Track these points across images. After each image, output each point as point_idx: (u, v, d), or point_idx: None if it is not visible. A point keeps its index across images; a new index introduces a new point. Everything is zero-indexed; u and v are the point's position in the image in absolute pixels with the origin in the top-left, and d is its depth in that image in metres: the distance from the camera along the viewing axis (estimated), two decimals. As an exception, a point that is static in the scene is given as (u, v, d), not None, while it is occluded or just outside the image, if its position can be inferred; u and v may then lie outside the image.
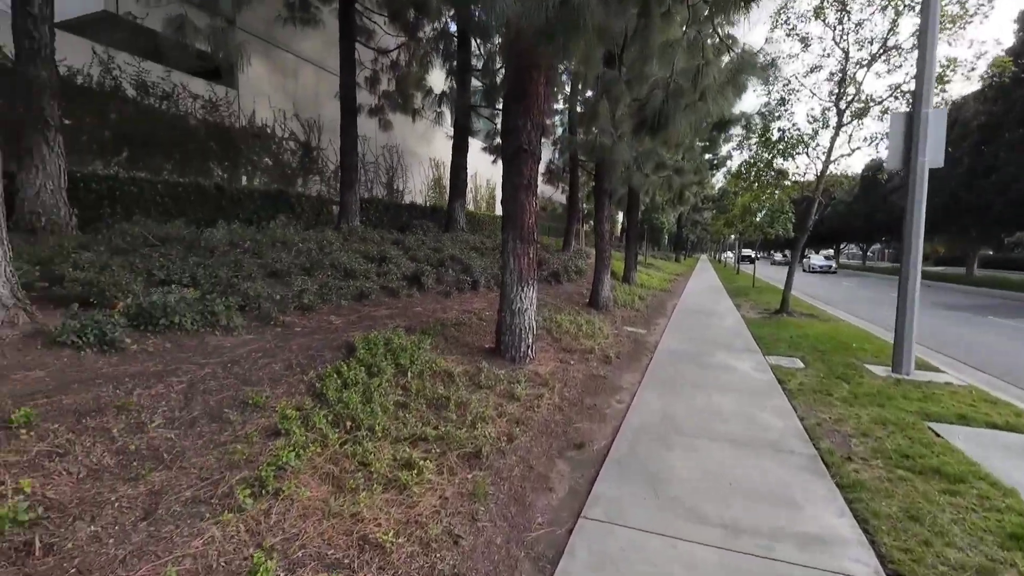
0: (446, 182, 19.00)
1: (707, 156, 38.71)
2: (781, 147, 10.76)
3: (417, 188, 18.61)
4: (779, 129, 10.45)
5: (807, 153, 10.80)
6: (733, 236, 51.07)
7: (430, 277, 8.18)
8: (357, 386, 3.73)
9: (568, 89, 15.86)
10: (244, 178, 11.48)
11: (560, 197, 23.79)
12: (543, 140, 14.20)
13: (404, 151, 17.68)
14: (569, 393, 4.91)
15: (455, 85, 14.99)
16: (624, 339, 7.89)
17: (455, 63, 14.67)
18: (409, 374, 4.21)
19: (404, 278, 8.05)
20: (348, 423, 3.25)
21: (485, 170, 22.91)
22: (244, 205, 9.97)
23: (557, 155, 19.46)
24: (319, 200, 12.12)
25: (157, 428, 2.79)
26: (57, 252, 5.16)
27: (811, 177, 11.34)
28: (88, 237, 6.45)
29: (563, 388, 4.98)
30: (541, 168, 20.55)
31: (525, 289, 5.40)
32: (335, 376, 3.75)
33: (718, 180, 43.83)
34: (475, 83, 16.04)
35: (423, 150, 18.84)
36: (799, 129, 10.56)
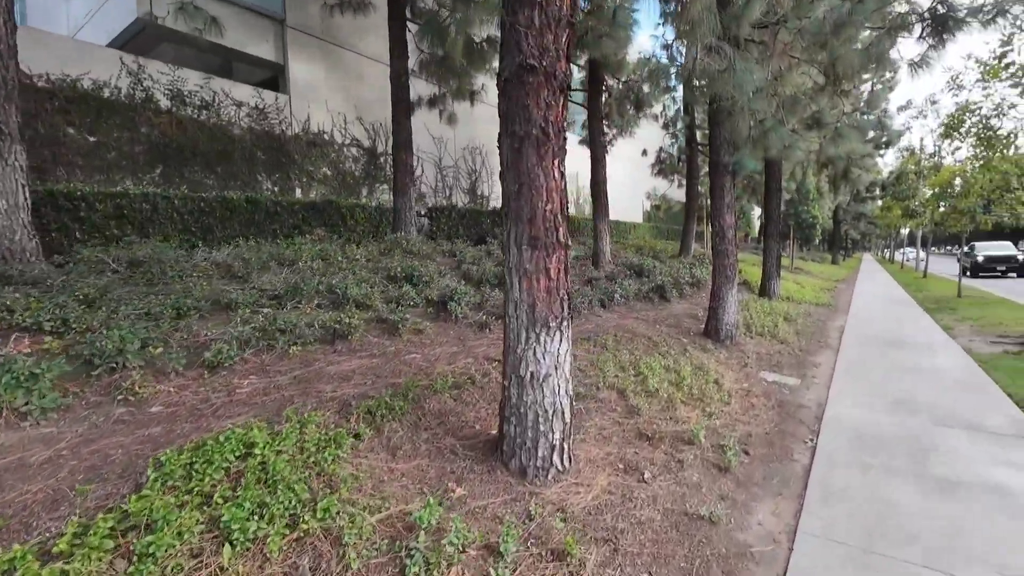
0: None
1: (870, 132, 31.32)
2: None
3: (505, 192, 16.66)
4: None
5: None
6: (907, 230, 40.69)
7: (464, 302, 5.92)
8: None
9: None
10: (299, 190, 10.45)
11: (678, 193, 19.97)
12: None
13: (490, 152, 15.85)
14: (619, 583, 2.20)
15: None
16: (759, 401, 4.77)
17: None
18: (226, 553, 1.91)
19: (429, 304, 5.91)
20: None
21: (587, 170, 20.22)
22: (282, 219, 8.72)
23: (669, 141, 16.08)
24: (378, 210, 10.62)
25: None
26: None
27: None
28: (45, 265, 5.36)
29: (612, 563, 2.28)
30: (650, 158, 17.21)
31: (543, 337, 2.82)
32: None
33: (887, 162, 35.23)
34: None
35: (512, 150, 16.86)
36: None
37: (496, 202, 16.10)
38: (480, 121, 15.31)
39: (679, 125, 15.41)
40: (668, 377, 4.80)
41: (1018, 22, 6.00)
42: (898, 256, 41.84)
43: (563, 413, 2.91)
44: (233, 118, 9.42)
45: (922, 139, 22.64)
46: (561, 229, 2.83)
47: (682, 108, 14.85)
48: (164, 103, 8.43)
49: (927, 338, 7.98)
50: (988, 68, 7.00)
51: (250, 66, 11.17)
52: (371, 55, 11.75)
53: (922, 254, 24.11)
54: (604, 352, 5.11)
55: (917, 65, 5.17)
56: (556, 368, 2.87)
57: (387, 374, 3.92)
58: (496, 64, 11.39)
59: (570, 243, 2.93)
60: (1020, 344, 7.37)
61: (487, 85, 11.11)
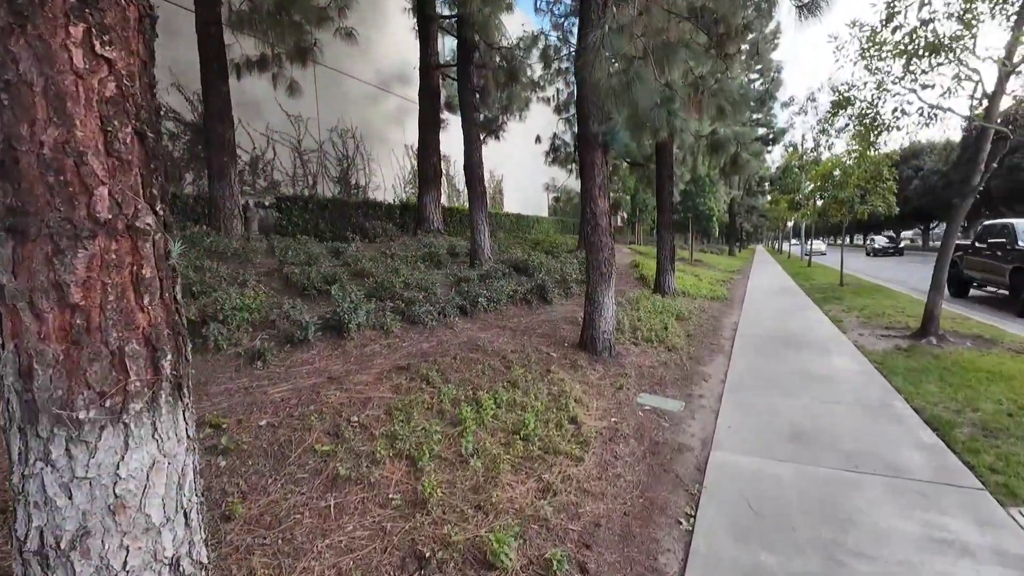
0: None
1: (760, 129, 32.90)
2: (919, 45, 5.98)
3: (389, 183, 14.77)
4: (922, 6, 5.69)
5: (959, 56, 5.98)
6: (792, 222, 43.85)
7: (238, 322, 4.14)
8: None
9: None
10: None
11: (575, 183, 18.96)
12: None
13: (368, 135, 13.88)
14: None
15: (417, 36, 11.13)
16: (626, 448, 3.49)
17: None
18: None
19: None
20: None
21: (488, 158, 18.72)
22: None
23: (563, 127, 15.03)
24: (202, 201, 8.40)
25: None
26: None
27: (962, 103, 6.44)
28: None
29: None
30: (543, 145, 16.12)
31: (61, 448, 1.21)
32: None
33: (774, 159, 37.50)
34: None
35: (395, 135, 14.97)
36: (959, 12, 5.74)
37: (380, 193, 14.20)
38: (352, 99, 13.33)
39: (572, 110, 14.40)
40: (506, 422, 3.38)
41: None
42: (787, 247, 44.98)
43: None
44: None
45: (804, 136, 23.80)
46: (105, 189, 1.21)
47: (575, 90, 13.84)
48: None
49: (819, 334, 7.36)
50: (873, 36, 6.37)
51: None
52: (185, 4, 9.36)
53: (818, 245, 25.26)
54: (422, 389, 3.59)
55: (807, 8, 4.24)
56: (113, 513, 1.25)
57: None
58: (344, 23, 9.50)
59: (152, 222, 1.32)
60: (907, 337, 6.92)
61: (328, 43, 9.15)
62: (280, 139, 11.27)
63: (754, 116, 33.14)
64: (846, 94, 6.90)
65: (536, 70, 14.07)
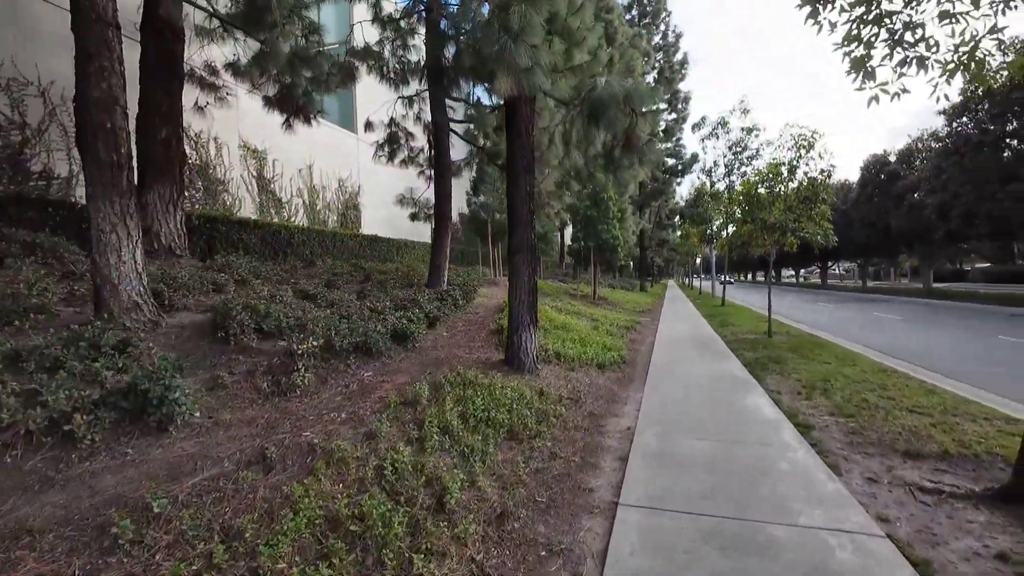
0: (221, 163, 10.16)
1: (669, 160, 30.97)
2: None
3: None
4: None
5: None
6: (700, 257, 42.72)
7: None
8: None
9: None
10: None
11: (429, 191, 13.39)
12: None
13: (62, 89, 8.63)
14: None
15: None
16: None
17: None
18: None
19: None
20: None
21: (337, 164, 13.73)
22: None
23: (403, 110, 10.70)
24: None
25: None
26: None
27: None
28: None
29: None
30: (379, 134, 11.40)
31: None
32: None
33: (682, 194, 36.02)
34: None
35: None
36: None
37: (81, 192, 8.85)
38: (48, 36, 8.14)
39: (414, 86, 10.22)
40: None
41: None
42: (699, 283, 43.91)
43: None
44: None
45: (715, 162, 21.58)
46: None
47: (425, 55, 9.68)
48: None
49: (794, 492, 3.26)
50: None
51: None
52: None
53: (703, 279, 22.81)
54: None
55: None
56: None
57: None
58: None
59: None
60: (989, 501, 3.07)
61: None
62: None
63: (664, 145, 31.29)
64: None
65: (372, 33, 9.83)
